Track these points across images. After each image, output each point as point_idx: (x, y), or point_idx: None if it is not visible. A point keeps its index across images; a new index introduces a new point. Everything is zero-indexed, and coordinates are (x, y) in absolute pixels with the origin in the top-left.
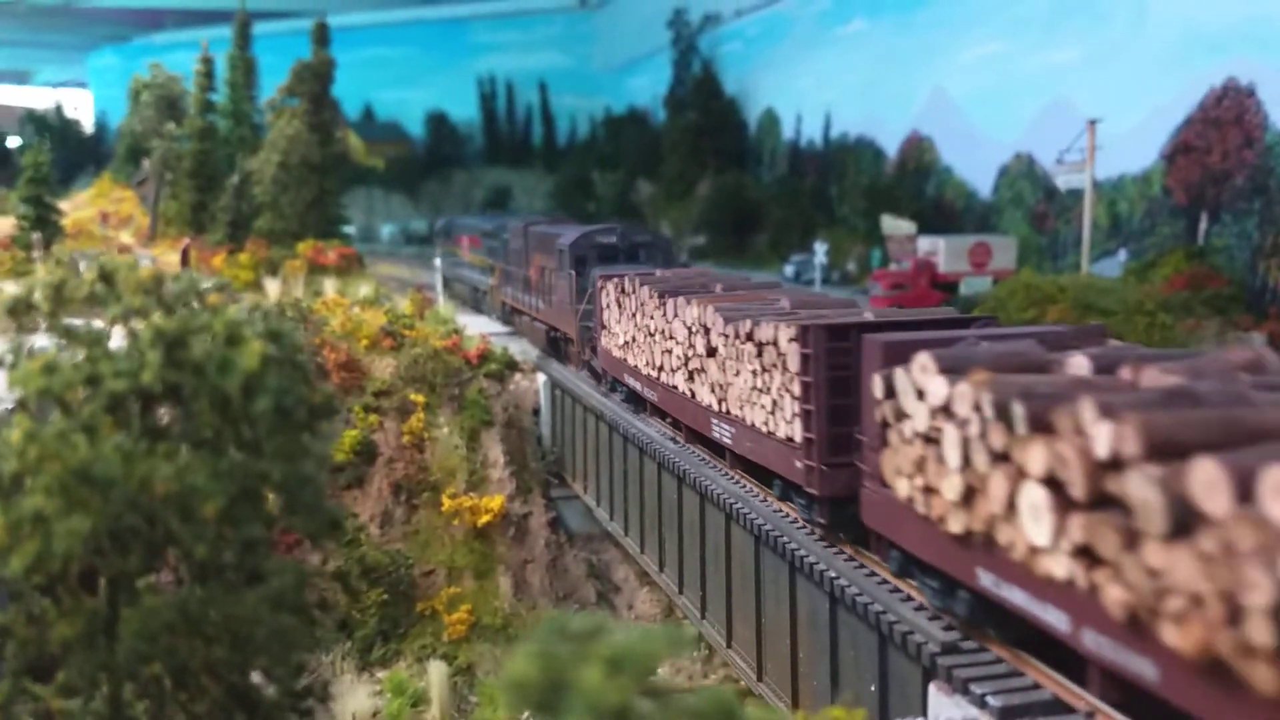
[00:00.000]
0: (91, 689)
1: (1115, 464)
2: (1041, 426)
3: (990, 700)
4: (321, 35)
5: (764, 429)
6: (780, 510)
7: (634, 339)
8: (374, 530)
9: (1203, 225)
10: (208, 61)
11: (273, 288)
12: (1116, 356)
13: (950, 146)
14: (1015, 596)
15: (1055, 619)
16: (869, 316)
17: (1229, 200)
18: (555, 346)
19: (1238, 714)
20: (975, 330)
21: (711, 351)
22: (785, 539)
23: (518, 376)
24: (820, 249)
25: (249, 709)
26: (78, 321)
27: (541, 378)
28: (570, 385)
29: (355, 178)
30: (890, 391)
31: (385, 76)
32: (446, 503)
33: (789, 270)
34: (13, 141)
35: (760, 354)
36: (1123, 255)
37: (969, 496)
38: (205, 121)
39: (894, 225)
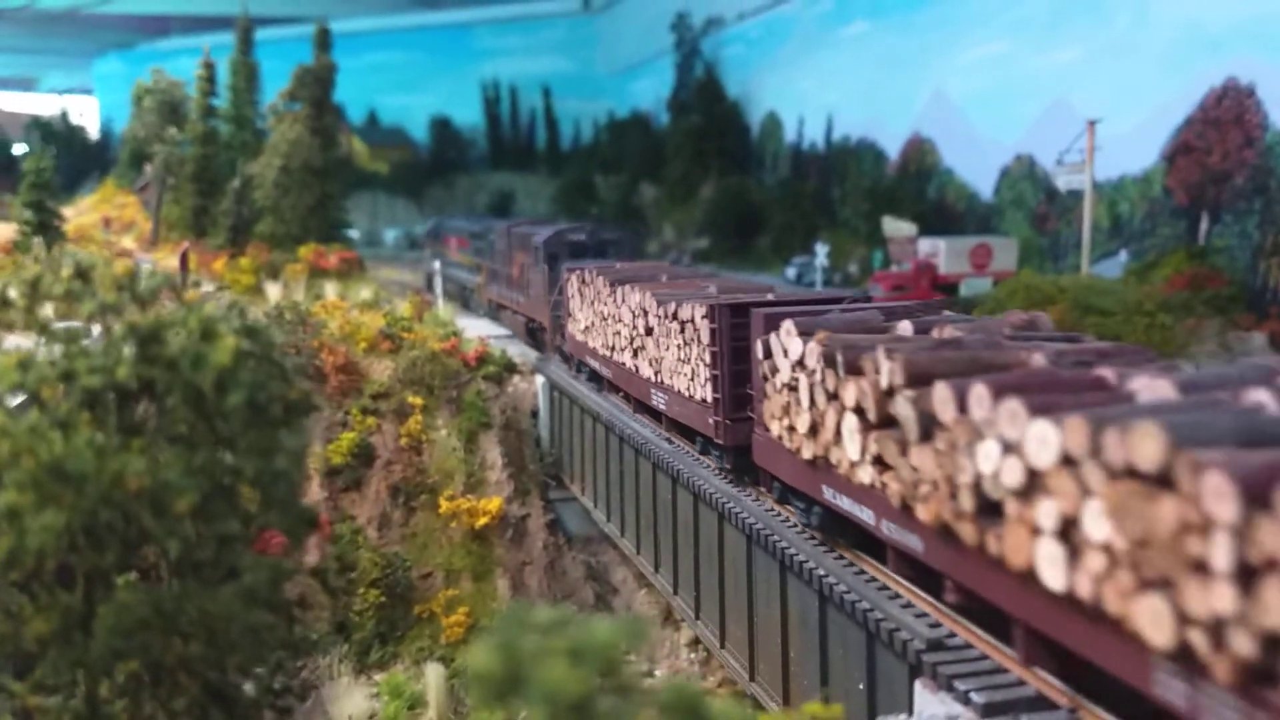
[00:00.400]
0: (71, 687)
1: (892, 392)
2: (854, 370)
3: (974, 697)
4: (323, 40)
5: (687, 393)
6: (773, 510)
7: (593, 324)
8: (372, 533)
9: (1204, 226)
10: (209, 66)
11: (274, 291)
12: (934, 321)
13: (951, 148)
14: (844, 503)
15: (867, 516)
16: (770, 297)
17: (1230, 200)
18: (533, 335)
19: (961, 564)
20: (842, 305)
21: (649, 331)
22: (776, 538)
23: (516, 379)
24: (821, 250)
25: (226, 707)
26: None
27: (540, 380)
28: (568, 387)
29: (359, 182)
30: (768, 353)
31: (389, 82)
32: (444, 505)
33: (790, 273)
34: (18, 149)
35: (683, 330)
36: (1124, 256)
37: (814, 429)
38: (207, 126)
39: (895, 227)
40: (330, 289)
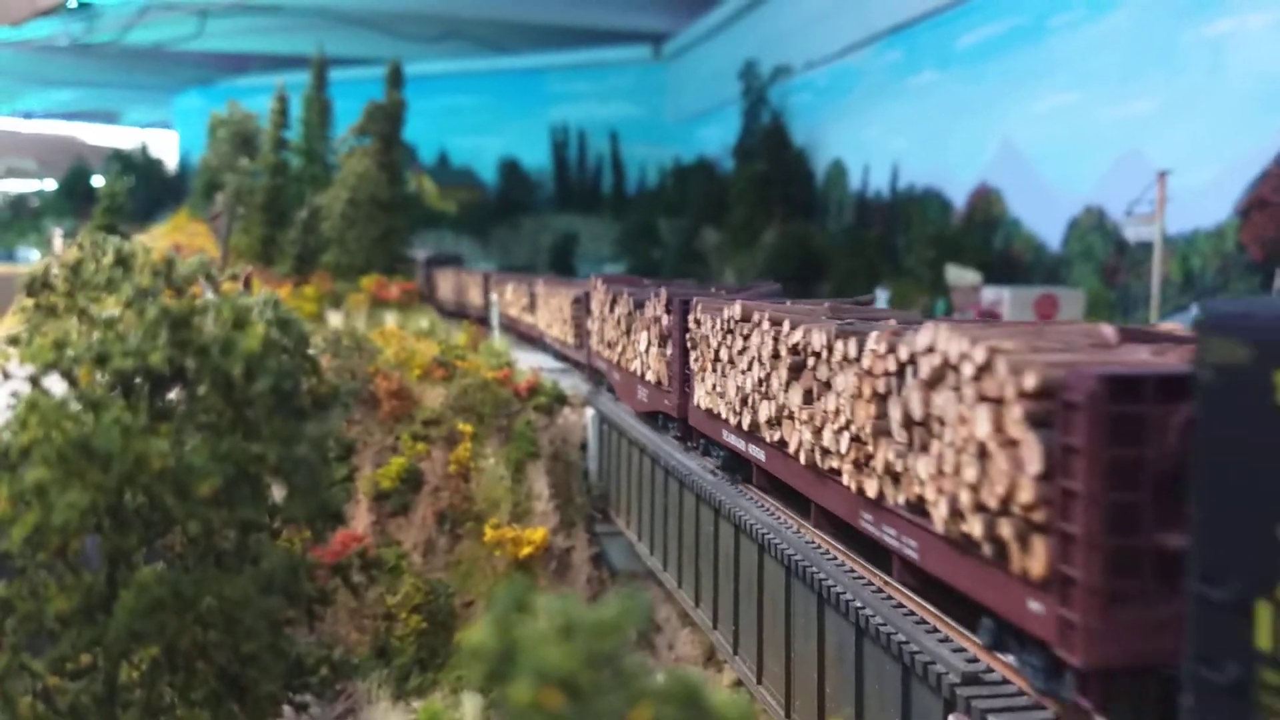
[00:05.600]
0: (91, 670)
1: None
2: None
3: None
4: (395, 77)
5: (653, 380)
6: (812, 541)
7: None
8: (417, 559)
9: (1278, 282)
10: (282, 100)
11: (335, 319)
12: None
13: (1019, 198)
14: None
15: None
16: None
17: None
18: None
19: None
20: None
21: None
22: (815, 570)
23: (566, 410)
24: (882, 296)
25: (241, 698)
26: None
27: (590, 412)
28: (617, 419)
29: (428, 220)
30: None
31: (461, 124)
32: (489, 533)
33: None
34: (98, 180)
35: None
36: (1195, 311)
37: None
38: (278, 158)
39: (959, 275)
40: (390, 318)
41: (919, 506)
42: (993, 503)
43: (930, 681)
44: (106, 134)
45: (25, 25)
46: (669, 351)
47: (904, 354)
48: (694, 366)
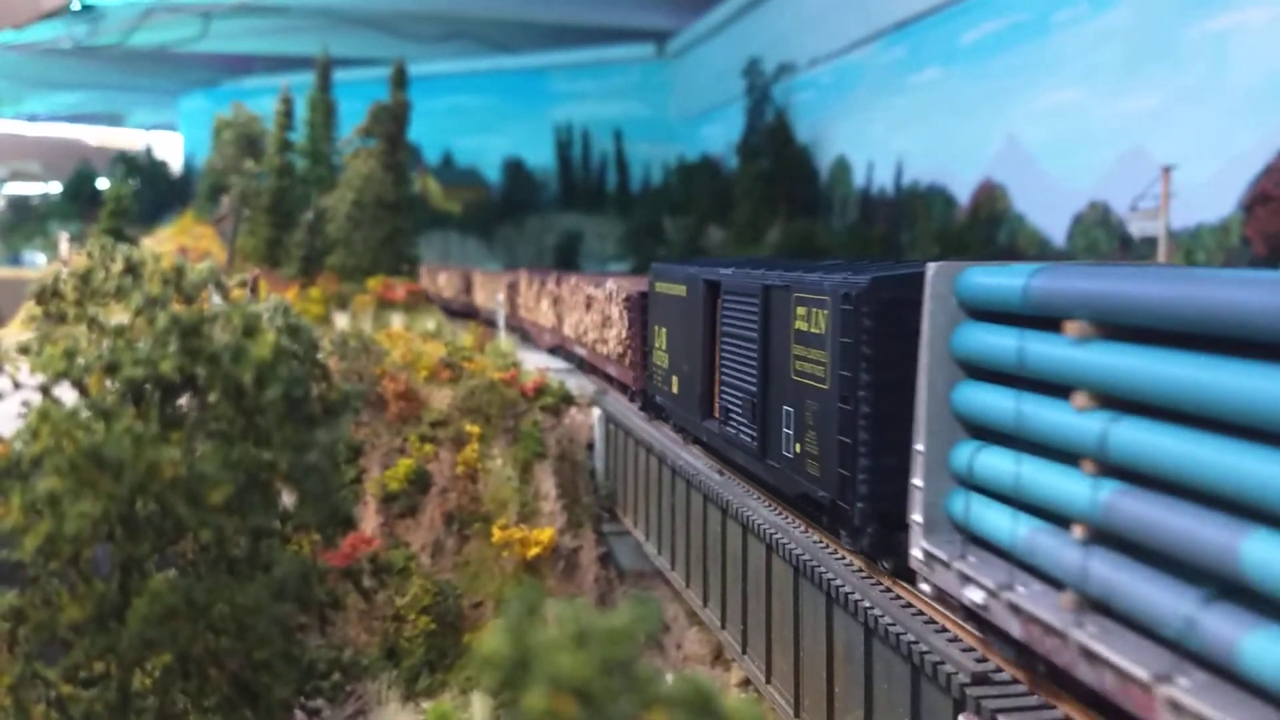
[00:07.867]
0: (104, 679)
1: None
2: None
3: None
4: (399, 78)
5: (549, 327)
6: (820, 541)
7: (533, 306)
8: (425, 560)
9: None
10: (287, 102)
11: (341, 321)
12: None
13: (1023, 194)
14: (578, 350)
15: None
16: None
17: None
18: None
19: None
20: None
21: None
22: (823, 569)
23: (573, 410)
24: None
25: (254, 703)
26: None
27: (596, 412)
28: (624, 419)
29: (433, 221)
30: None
31: (465, 124)
32: (497, 534)
33: None
34: (103, 183)
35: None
36: None
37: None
38: (283, 160)
39: None
40: (396, 320)
41: (612, 353)
42: (620, 341)
43: (940, 681)
44: (111, 136)
45: (29, 28)
46: (557, 307)
47: (606, 292)
48: (563, 314)
